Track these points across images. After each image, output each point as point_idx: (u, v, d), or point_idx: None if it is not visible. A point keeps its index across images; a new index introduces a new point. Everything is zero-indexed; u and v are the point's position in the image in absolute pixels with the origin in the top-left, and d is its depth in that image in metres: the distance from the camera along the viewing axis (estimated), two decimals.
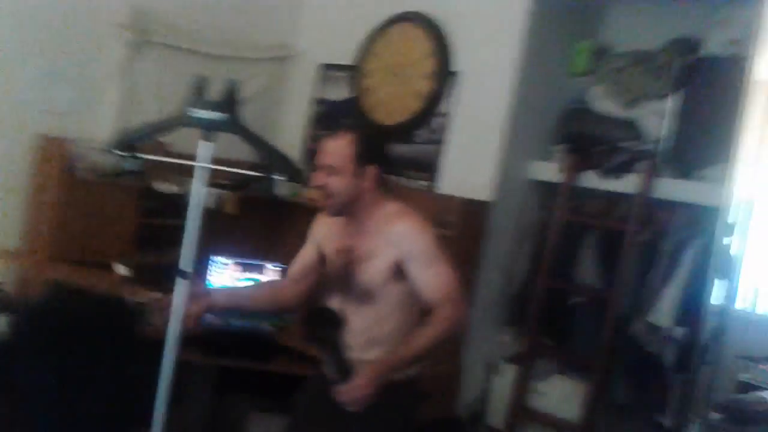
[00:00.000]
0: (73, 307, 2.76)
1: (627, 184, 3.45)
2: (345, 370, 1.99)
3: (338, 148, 2.15)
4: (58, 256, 3.14)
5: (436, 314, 2.08)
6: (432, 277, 2.12)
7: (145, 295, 3.42)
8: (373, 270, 2.15)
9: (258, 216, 4.08)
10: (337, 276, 2.21)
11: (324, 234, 2.31)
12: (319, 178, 2.16)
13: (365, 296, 2.16)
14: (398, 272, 2.14)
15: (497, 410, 3.75)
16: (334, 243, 2.25)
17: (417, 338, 2.07)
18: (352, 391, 1.95)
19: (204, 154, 2.18)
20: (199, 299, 2.19)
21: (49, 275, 3.11)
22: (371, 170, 2.17)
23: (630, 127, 3.63)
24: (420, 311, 2.20)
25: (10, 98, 3.20)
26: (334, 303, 2.21)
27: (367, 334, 2.16)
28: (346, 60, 4.15)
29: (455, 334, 2.18)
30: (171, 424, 2.23)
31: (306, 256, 2.33)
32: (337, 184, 2.14)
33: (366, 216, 2.21)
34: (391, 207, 2.21)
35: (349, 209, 2.19)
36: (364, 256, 2.17)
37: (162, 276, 3.50)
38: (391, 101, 3.95)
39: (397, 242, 2.14)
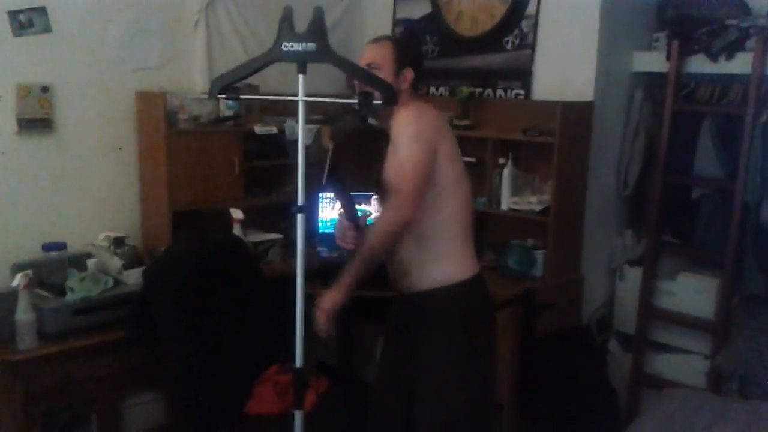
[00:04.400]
0: (198, 252, 2.82)
1: (739, 64, 3.21)
2: (351, 214, 2.16)
3: (380, 49, 2.29)
4: (175, 206, 3.23)
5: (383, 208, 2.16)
6: (393, 161, 2.14)
7: (260, 236, 3.51)
8: (387, 167, 2.18)
9: (352, 147, 4.05)
10: (375, 181, 2.23)
11: None
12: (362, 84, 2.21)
13: (387, 197, 2.17)
14: None
15: (625, 315, 3.67)
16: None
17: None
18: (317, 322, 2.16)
19: (302, 87, 2.14)
20: None
21: (170, 225, 3.21)
22: (408, 72, 2.28)
23: (736, 2, 3.37)
24: (469, 210, 2.26)
25: (103, 60, 3.24)
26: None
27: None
28: None
29: (402, 231, 2.13)
30: (308, 356, 2.28)
31: None
32: None
33: (395, 119, 2.22)
34: (412, 106, 2.22)
35: (384, 111, 2.18)
36: (385, 156, 2.20)
37: (272, 216, 3.58)
38: (474, 9, 3.77)
39: (394, 135, 2.16)
